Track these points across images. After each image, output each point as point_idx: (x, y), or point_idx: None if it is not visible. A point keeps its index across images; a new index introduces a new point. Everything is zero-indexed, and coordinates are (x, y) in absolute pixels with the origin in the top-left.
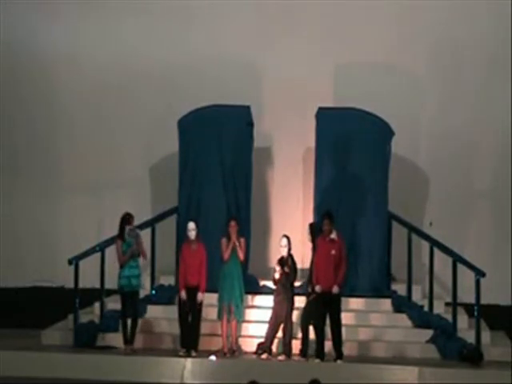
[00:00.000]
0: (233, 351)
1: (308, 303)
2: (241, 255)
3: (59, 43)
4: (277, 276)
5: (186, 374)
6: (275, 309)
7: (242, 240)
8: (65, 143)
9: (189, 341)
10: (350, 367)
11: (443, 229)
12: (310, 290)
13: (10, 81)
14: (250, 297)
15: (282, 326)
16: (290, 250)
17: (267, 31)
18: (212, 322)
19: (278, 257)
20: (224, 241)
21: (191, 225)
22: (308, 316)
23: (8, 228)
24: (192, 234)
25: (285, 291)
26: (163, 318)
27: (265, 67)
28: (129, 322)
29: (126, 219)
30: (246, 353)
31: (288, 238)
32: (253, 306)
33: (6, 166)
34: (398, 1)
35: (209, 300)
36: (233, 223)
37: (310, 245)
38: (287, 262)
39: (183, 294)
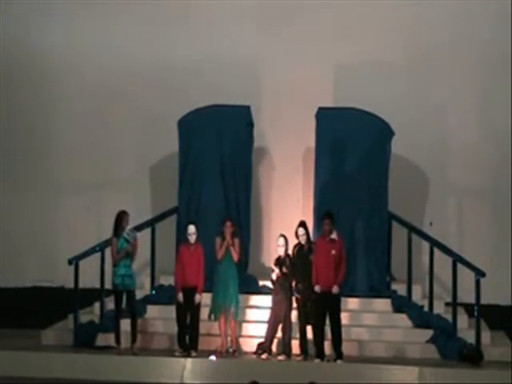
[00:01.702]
0: (233, 351)
1: (302, 303)
2: (235, 256)
3: (57, 43)
4: (274, 276)
5: (185, 374)
6: (274, 309)
7: (237, 241)
8: (64, 143)
9: (186, 341)
10: (350, 367)
11: (443, 229)
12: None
13: (7, 81)
14: (249, 297)
15: (281, 325)
16: (287, 249)
17: (267, 31)
18: (211, 321)
19: (276, 257)
20: (218, 240)
21: (191, 228)
22: (305, 316)
23: (8, 228)
24: (192, 237)
25: (283, 291)
26: (163, 318)
27: (264, 67)
28: (127, 322)
29: (122, 217)
30: (246, 353)
31: (285, 237)
32: (252, 306)
33: (6, 165)
34: (398, 1)
35: (208, 300)
36: (228, 223)
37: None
38: (285, 261)
39: (180, 297)
